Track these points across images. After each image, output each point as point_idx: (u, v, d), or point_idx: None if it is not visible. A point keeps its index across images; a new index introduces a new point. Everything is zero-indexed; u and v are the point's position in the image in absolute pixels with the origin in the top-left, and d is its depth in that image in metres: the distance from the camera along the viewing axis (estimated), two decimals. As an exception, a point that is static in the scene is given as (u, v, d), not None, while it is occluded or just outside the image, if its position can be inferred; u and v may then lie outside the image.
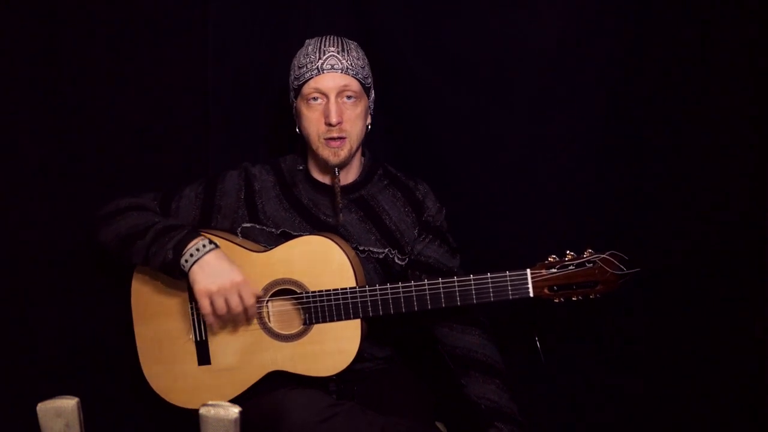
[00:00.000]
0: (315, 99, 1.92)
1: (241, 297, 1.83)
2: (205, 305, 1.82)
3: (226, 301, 1.82)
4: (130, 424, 2.22)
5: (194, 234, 1.85)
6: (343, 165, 1.95)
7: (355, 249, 1.96)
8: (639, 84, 2.13)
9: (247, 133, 2.31)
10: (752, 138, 2.06)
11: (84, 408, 1.65)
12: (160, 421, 2.00)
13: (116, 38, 2.19)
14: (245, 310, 1.85)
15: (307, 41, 1.98)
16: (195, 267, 1.82)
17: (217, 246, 1.85)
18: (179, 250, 1.82)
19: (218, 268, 1.82)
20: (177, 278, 1.87)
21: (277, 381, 1.88)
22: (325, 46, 1.93)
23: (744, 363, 2.11)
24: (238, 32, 2.26)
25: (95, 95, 2.19)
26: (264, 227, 1.97)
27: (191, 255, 1.82)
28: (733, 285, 2.11)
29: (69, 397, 1.64)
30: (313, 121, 1.92)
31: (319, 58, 1.92)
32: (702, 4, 2.07)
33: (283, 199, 1.99)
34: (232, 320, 1.88)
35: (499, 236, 2.22)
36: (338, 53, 1.92)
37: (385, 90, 2.23)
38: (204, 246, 1.83)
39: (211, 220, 1.98)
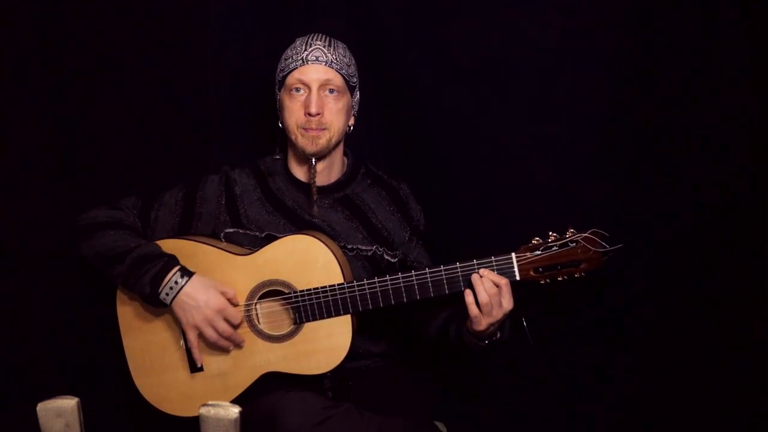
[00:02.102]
0: (297, 90, 1.93)
1: (227, 320, 1.86)
2: (192, 338, 1.87)
3: (214, 329, 1.86)
4: (130, 424, 2.22)
5: (169, 266, 1.86)
6: (321, 156, 1.95)
7: (344, 248, 1.95)
8: (639, 83, 2.12)
9: (247, 133, 2.32)
10: (753, 137, 2.05)
11: (84, 408, 1.65)
12: (159, 422, 2.00)
13: (116, 38, 2.20)
14: (236, 329, 1.88)
15: (298, 38, 1.99)
16: (174, 305, 1.85)
17: (191, 275, 1.86)
18: (156, 285, 1.84)
19: (196, 300, 1.85)
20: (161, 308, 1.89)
21: (272, 382, 1.87)
22: (312, 40, 1.96)
23: (744, 362, 2.10)
24: (238, 32, 2.26)
25: (95, 95, 2.20)
26: (248, 231, 1.96)
27: (171, 289, 1.84)
28: (733, 284, 2.10)
29: (69, 397, 1.65)
30: (293, 111, 1.93)
31: (305, 50, 1.94)
32: (702, 3, 2.07)
33: (265, 202, 1.99)
34: (226, 343, 1.89)
35: (499, 235, 2.21)
36: (324, 47, 1.94)
37: (385, 90, 2.23)
38: (177, 282, 1.85)
39: (191, 227, 1.97)
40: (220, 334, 1.86)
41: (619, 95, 2.12)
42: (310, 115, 1.90)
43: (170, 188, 2.00)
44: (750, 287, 2.04)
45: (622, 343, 2.20)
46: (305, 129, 1.92)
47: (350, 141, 2.06)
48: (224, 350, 1.89)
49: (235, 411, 1.60)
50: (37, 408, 1.64)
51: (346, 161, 2.06)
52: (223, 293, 1.87)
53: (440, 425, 2.00)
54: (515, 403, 2.27)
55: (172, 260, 1.87)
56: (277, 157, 2.05)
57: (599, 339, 2.21)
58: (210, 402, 1.62)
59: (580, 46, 2.12)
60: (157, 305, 1.88)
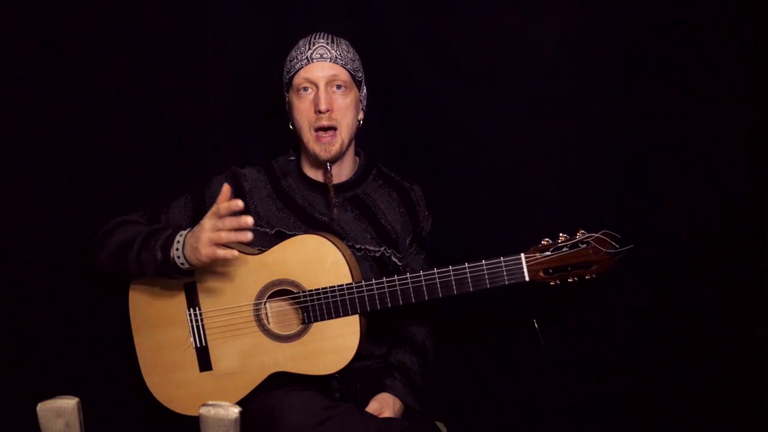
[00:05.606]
0: (305, 89, 1.94)
1: (217, 216, 1.76)
2: (222, 253, 1.75)
3: (220, 230, 1.75)
4: (130, 424, 2.22)
5: (176, 231, 1.84)
6: (335, 160, 1.96)
7: (352, 247, 1.96)
8: (638, 84, 2.13)
9: (247, 133, 2.32)
10: (752, 136, 2.06)
11: (84, 408, 1.65)
12: (160, 421, 2.00)
13: (116, 38, 2.19)
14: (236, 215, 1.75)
15: (300, 39, 2.00)
16: (186, 252, 1.80)
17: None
18: (167, 247, 1.82)
19: (192, 231, 1.80)
20: (174, 277, 1.85)
21: (279, 382, 1.87)
22: (315, 38, 1.98)
23: (744, 362, 2.10)
24: (238, 32, 2.27)
25: (95, 96, 2.19)
26: (258, 228, 1.96)
27: (177, 242, 1.80)
28: (733, 284, 2.11)
29: (69, 397, 1.64)
30: (303, 111, 1.94)
31: (309, 49, 1.95)
32: (702, 4, 2.07)
33: (276, 199, 1.99)
34: (238, 236, 1.77)
35: (499, 235, 2.22)
36: (327, 44, 1.96)
37: (385, 90, 2.24)
38: (182, 234, 1.82)
39: None
40: (228, 230, 1.75)
41: (622, 95, 2.13)
42: (320, 112, 1.91)
43: (177, 197, 2.00)
44: (751, 287, 2.05)
45: (621, 343, 2.20)
46: (317, 134, 1.92)
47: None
48: (231, 340, 1.88)
49: (235, 411, 1.59)
50: (37, 408, 1.64)
51: (357, 160, 2.06)
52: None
53: (440, 425, 2.01)
54: (515, 403, 2.28)
55: (179, 228, 1.86)
56: (292, 158, 2.05)
57: (599, 339, 2.21)
58: (210, 402, 1.62)
59: (581, 46, 2.12)
60: (170, 273, 1.84)
